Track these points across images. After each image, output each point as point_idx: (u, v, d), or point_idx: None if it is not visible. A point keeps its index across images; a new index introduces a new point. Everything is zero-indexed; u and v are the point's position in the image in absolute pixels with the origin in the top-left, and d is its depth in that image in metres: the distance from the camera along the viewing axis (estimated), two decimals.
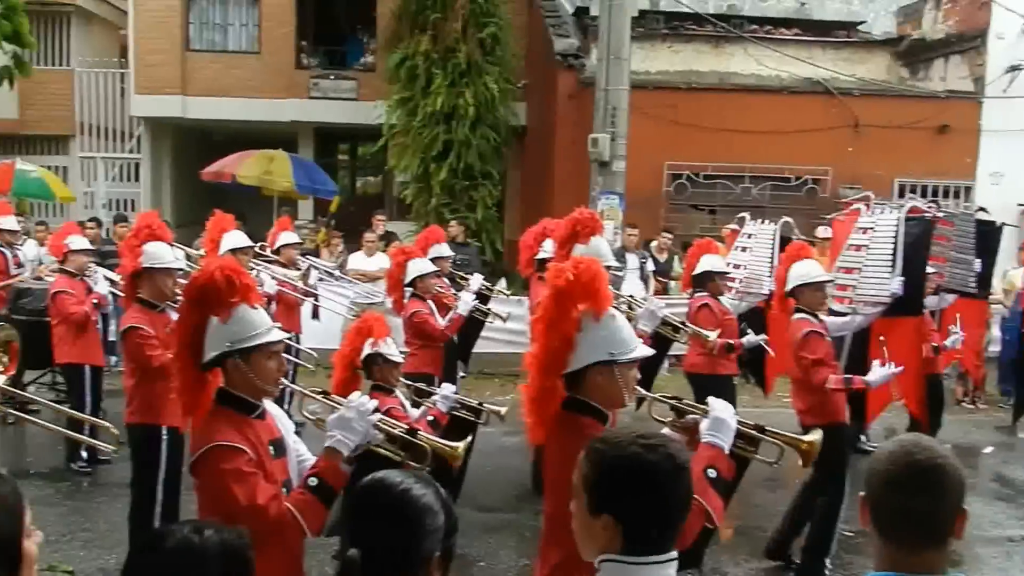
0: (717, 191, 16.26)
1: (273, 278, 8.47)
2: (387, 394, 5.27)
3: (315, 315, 10.15)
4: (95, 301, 8.57)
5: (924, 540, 2.13)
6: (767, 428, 3.72)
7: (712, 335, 7.31)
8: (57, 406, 5.19)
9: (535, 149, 18.84)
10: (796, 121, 15.60)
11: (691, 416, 3.64)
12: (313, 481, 3.32)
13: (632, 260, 13.01)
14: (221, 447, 3.25)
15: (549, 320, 3.36)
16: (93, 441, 4.47)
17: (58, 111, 20.79)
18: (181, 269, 6.32)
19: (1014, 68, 16.02)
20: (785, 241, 8.47)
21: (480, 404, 5.65)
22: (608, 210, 13.57)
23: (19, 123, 20.75)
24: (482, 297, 8.59)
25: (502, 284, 13.97)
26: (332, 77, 20.57)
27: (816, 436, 3.78)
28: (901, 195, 16.11)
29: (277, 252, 9.50)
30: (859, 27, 18.50)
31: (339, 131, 22.29)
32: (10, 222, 10.96)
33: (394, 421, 3.78)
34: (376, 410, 3.54)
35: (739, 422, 3.50)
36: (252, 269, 8.19)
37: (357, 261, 12.96)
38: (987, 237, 9.23)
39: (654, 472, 2.16)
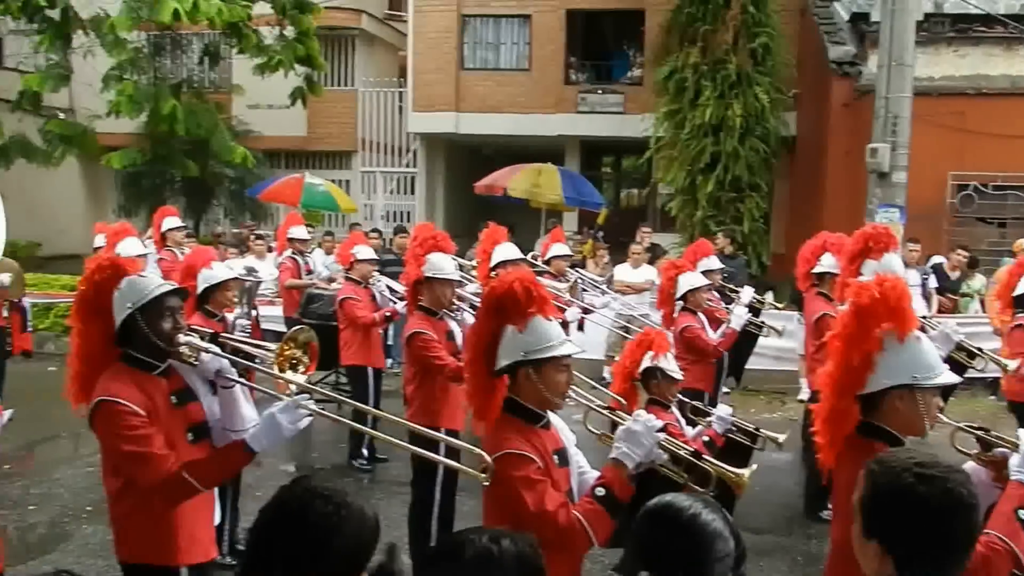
0: (1008, 203, 15.12)
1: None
2: (663, 409, 5.21)
3: (580, 327, 10.21)
4: (388, 314, 8.94)
5: None
6: None
7: (1012, 364, 6.73)
8: (356, 403, 5.41)
9: (805, 160, 18.25)
10: None
11: (999, 450, 3.35)
12: (600, 491, 3.31)
13: (913, 276, 12.27)
14: (512, 454, 3.30)
15: (848, 338, 3.20)
16: (382, 435, 4.53)
17: (342, 128, 22.28)
18: (460, 280, 6.45)
19: None
20: None
21: (757, 429, 5.46)
22: (887, 223, 12.91)
23: (307, 140, 22.39)
24: (753, 310, 8.35)
25: (770, 297, 13.60)
26: (599, 92, 20.83)
27: None
28: None
29: (548, 263, 9.60)
30: None
31: (604, 144, 22.54)
32: (301, 232, 11.76)
33: (678, 442, 3.71)
34: (661, 430, 3.48)
35: None
36: None
37: (622, 273, 12.96)
38: None
39: (924, 505, 2.06)
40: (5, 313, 9.97)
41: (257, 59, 18.20)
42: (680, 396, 5.56)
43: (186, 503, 3.64)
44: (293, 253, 11.53)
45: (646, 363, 5.17)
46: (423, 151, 22.16)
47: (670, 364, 5.25)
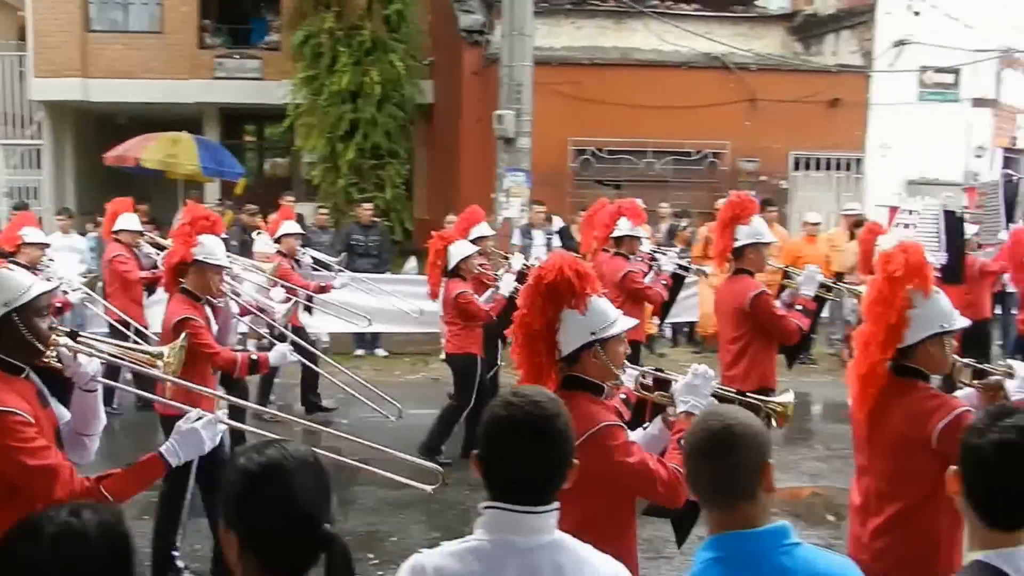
0: (621, 166, 16.57)
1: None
2: None
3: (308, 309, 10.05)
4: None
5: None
6: None
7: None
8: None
9: (442, 127, 18.99)
10: (696, 96, 15.97)
11: (994, 377, 4.03)
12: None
13: (539, 237, 13.22)
14: (609, 426, 3.38)
15: (884, 301, 3.65)
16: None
17: None
18: (226, 266, 6.03)
19: (900, 43, 16.63)
20: (949, 216, 9.01)
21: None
22: (514, 187, 13.82)
23: None
24: (522, 277, 8.69)
25: (412, 263, 14.10)
26: (236, 57, 20.34)
27: None
28: (796, 168, 16.65)
29: (278, 241, 9.53)
30: (756, 2, 18.90)
31: (245, 112, 22.11)
32: None
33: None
34: None
35: None
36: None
37: (260, 244, 12.83)
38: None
39: None
40: None
41: None
42: None
43: None
44: None
45: None
46: (48, 121, 20.54)
47: None
